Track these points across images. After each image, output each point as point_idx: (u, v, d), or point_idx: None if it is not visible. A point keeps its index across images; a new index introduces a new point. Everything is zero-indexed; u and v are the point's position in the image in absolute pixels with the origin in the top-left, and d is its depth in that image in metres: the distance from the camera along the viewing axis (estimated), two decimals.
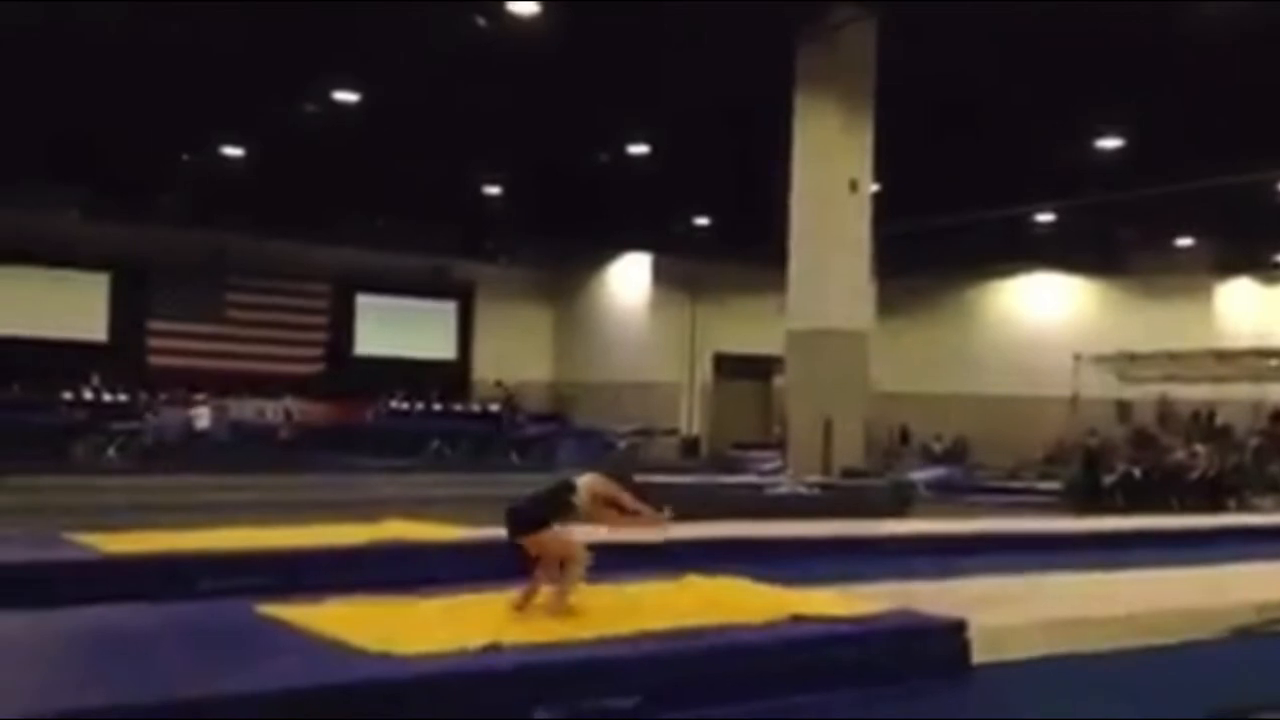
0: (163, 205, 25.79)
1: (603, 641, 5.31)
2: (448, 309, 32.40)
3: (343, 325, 30.73)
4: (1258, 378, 24.74)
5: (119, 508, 12.98)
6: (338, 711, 4.36)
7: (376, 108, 18.84)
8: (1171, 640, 7.02)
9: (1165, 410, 25.88)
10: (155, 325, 28.12)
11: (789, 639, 5.66)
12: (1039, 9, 14.00)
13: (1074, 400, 25.36)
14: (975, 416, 28.03)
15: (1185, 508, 18.40)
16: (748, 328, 28.86)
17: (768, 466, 20.09)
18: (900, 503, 15.83)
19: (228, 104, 18.90)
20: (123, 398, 25.74)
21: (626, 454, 25.33)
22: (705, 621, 5.76)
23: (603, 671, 5.00)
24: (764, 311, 25.52)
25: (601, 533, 6.48)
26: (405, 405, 29.68)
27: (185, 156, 22.74)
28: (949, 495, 20.16)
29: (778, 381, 25.38)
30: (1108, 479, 20.01)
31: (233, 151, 22.19)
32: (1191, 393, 25.36)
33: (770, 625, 5.80)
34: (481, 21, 15.42)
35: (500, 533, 8.08)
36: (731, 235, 26.49)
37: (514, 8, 15.04)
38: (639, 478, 14.93)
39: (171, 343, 28.07)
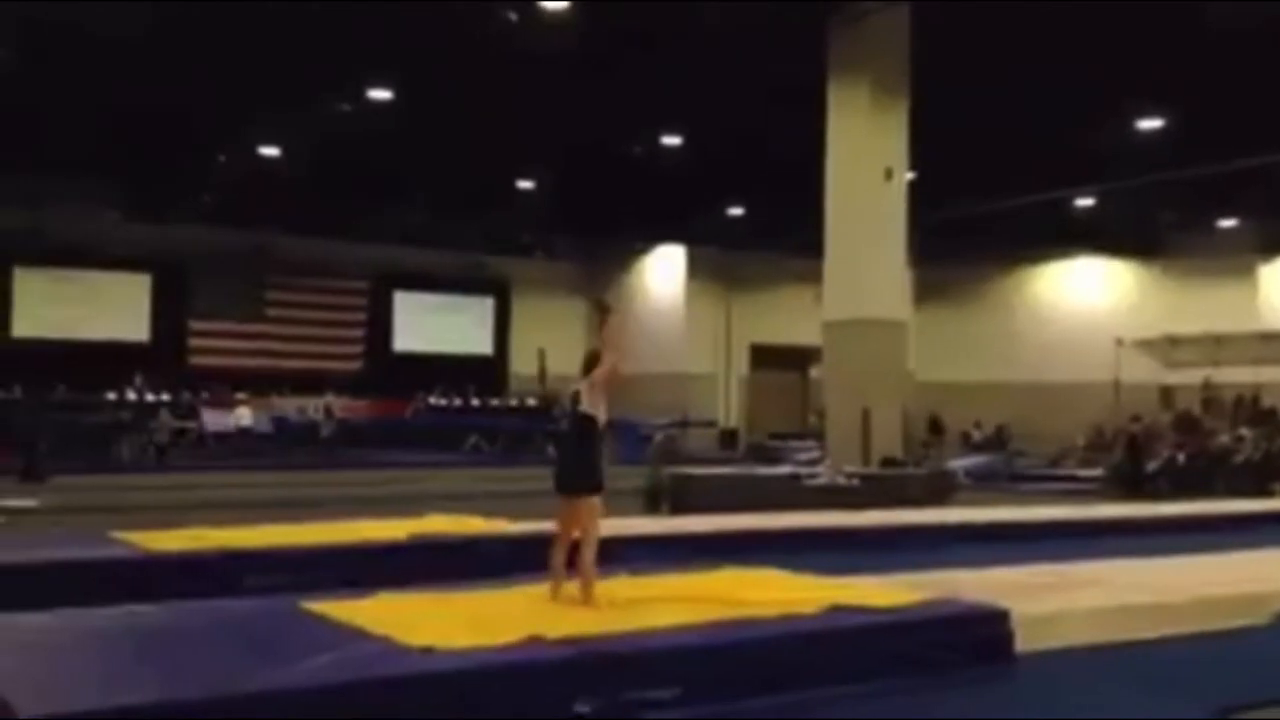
0: (202, 205, 26.06)
1: (643, 633, 5.32)
2: (485, 304, 32.53)
3: (381, 322, 30.93)
4: None
5: (163, 506, 13.15)
6: (382, 706, 4.39)
7: (411, 104, 18.92)
8: (1217, 627, 6.94)
9: (1209, 394, 25.54)
10: (196, 325, 28.44)
11: (829, 630, 5.64)
12: None
13: (1116, 386, 25.09)
14: (1016, 404, 27.80)
15: (1230, 493, 18.16)
16: (784, 318, 28.81)
17: (805, 457, 20.04)
18: (940, 492, 15.73)
19: (264, 103, 19.06)
20: (166, 397, 26.08)
21: (664, 446, 25.32)
22: (745, 613, 5.76)
23: (643, 663, 5.01)
24: (800, 302, 25.47)
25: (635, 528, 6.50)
26: (443, 401, 29.88)
27: (222, 157, 22.94)
28: (990, 484, 20.01)
29: (814, 372, 25.33)
30: (1151, 465, 19.78)
31: (270, 151, 22.37)
32: (1236, 376, 25.00)
33: (810, 616, 5.79)
34: (513, 16, 15.45)
35: (539, 526, 8.15)
36: (766, 226, 26.39)
37: (545, 5, 15.08)
38: (676, 470, 15.03)
39: (212, 342, 28.39)
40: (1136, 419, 21.88)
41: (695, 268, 30.70)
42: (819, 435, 24.98)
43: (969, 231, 25.78)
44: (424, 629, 5.12)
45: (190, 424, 25.16)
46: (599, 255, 32.31)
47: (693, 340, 30.40)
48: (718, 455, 26.53)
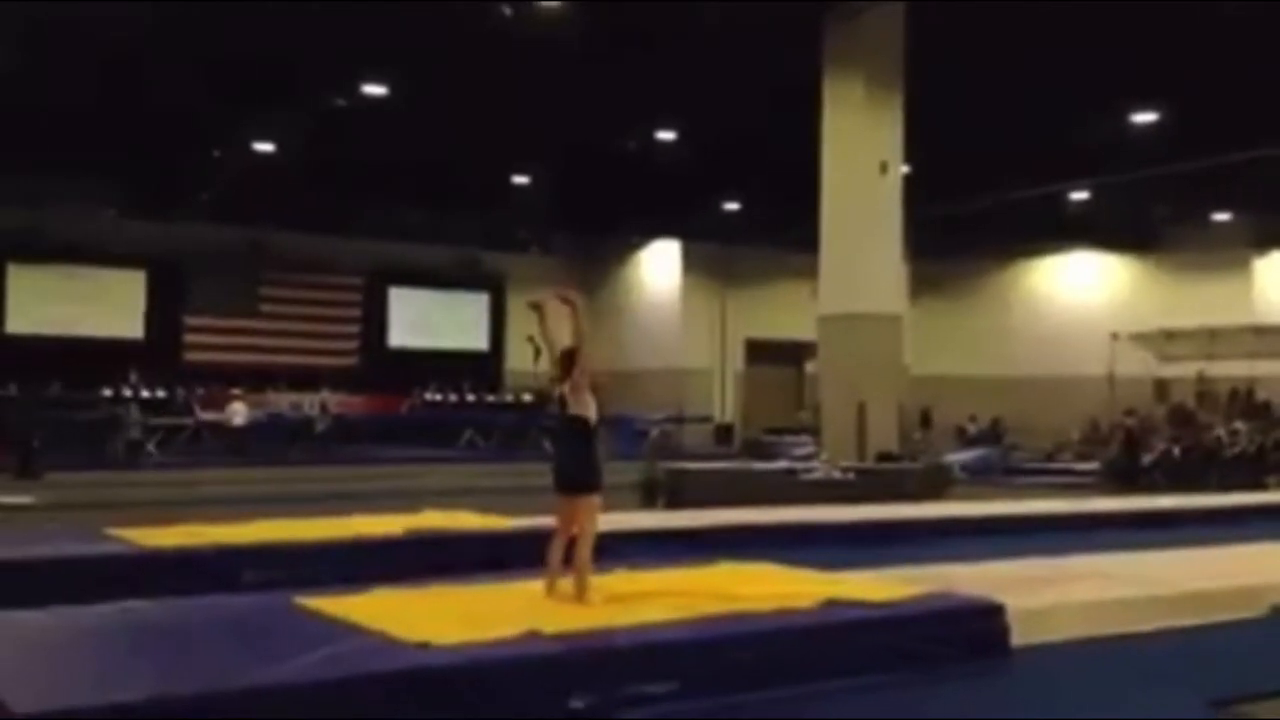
0: (197, 202, 26.03)
1: (639, 628, 5.32)
2: (480, 300, 32.51)
3: (376, 318, 30.91)
4: None
5: (158, 502, 13.14)
6: (377, 702, 4.39)
7: (406, 100, 18.89)
8: (1213, 620, 6.96)
9: (1204, 388, 25.57)
10: (191, 321, 28.40)
11: (825, 624, 5.65)
12: None
13: (1111, 380, 25.13)
14: (1011, 398, 27.82)
15: (1225, 486, 18.20)
16: (779, 313, 28.81)
17: (801, 452, 20.04)
18: (936, 486, 15.75)
19: (259, 100, 19.01)
20: (161, 394, 26.06)
21: (658, 441, 25.33)
22: (740, 608, 5.76)
23: (639, 658, 5.01)
24: (796, 297, 25.47)
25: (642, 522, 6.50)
26: (439, 397, 29.87)
27: (218, 154, 22.90)
28: (985, 477, 20.04)
29: (810, 367, 25.33)
30: (1146, 459, 19.82)
31: (265, 147, 22.33)
32: (1230, 369, 25.03)
33: (806, 611, 5.79)
34: (508, 11, 15.43)
35: (535, 521, 8.16)
36: (762, 220, 26.39)
37: (541, 0, 15.07)
38: (672, 465, 15.04)
39: (208, 338, 28.36)
40: (1131, 413, 21.91)
41: (691, 263, 30.69)
42: (807, 430, 25.07)
43: (964, 226, 25.81)
44: (420, 624, 5.12)
45: (186, 420, 25.12)
46: (594, 251, 32.29)
47: (688, 335, 30.40)
48: (713, 450, 26.55)
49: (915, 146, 17.32)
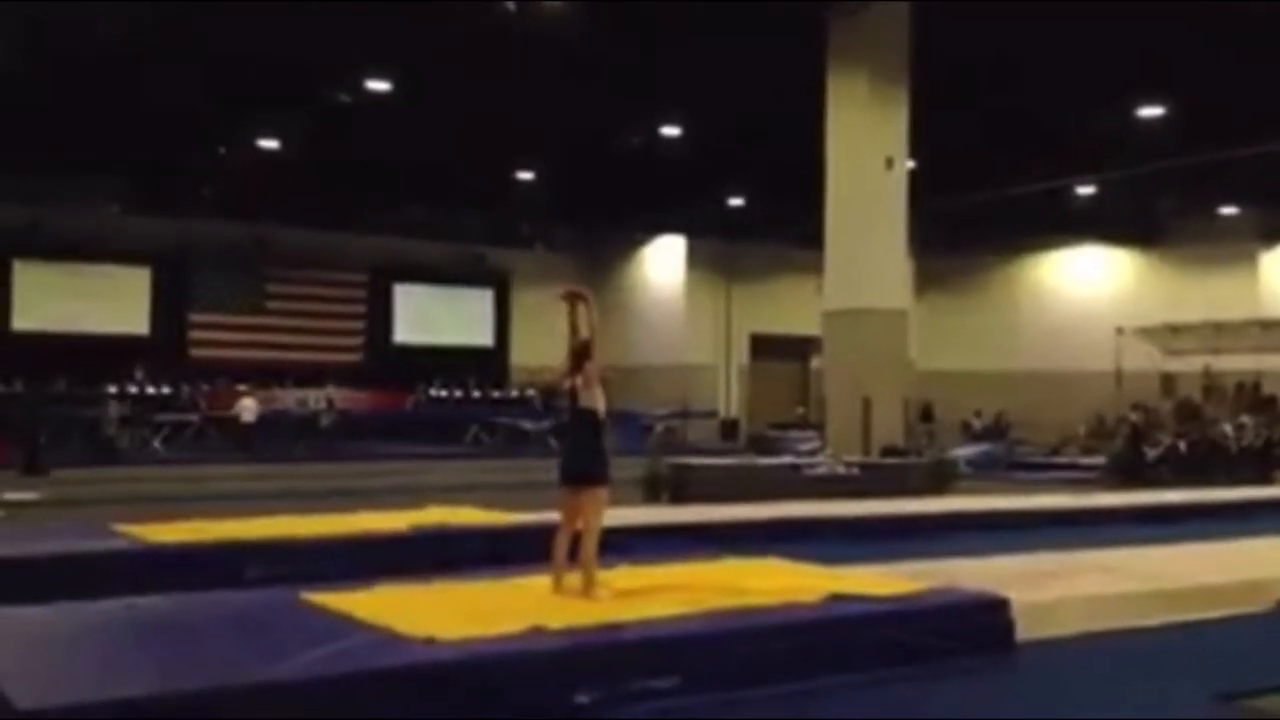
0: (201, 198, 26.04)
1: (643, 623, 5.33)
2: (484, 296, 32.51)
3: (381, 314, 30.92)
4: None
5: (164, 498, 13.16)
6: (382, 697, 4.39)
7: (410, 96, 18.88)
8: (1218, 614, 6.95)
9: (1210, 382, 25.51)
10: (196, 318, 28.42)
11: (830, 619, 5.65)
12: None
13: (1117, 374, 25.07)
14: (1016, 393, 27.79)
15: (1231, 480, 18.16)
16: (784, 308, 28.81)
17: (806, 447, 20.05)
18: (941, 481, 15.74)
19: (263, 96, 19.01)
20: (166, 390, 26.11)
21: (662, 437, 25.35)
22: (745, 602, 5.76)
23: (644, 653, 5.02)
24: (800, 292, 25.45)
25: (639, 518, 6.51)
26: (444, 393, 29.90)
27: (222, 149, 22.91)
28: (991, 472, 20.02)
29: (815, 362, 25.32)
30: (1152, 453, 19.78)
31: (269, 143, 22.34)
32: (1236, 363, 24.96)
33: (810, 605, 5.79)
34: (512, 6, 15.41)
35: (539, 517, 8.16)
36: (767, 216, 26.36)
37: None
38: (676, 460, 15.04)
39: (212, 334, 28.37)
40: (1137, 407, 21.86)
41: (695, 258, 30.66)
42: (804, 425, 25.07)
43: (970, 220, 25.77)
44: (424, 620, 5.12)
45: (191, 417, 25.17)
46: (599, 247, 32.27)
47: (693, 331, 30.38)
48: (718, 446, 26.54)
49: (920, 141, 17.28)
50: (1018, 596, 6.19)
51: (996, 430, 26.33)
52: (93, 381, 24.62)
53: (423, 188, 25.51)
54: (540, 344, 31.29)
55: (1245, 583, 7.50)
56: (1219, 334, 24.65)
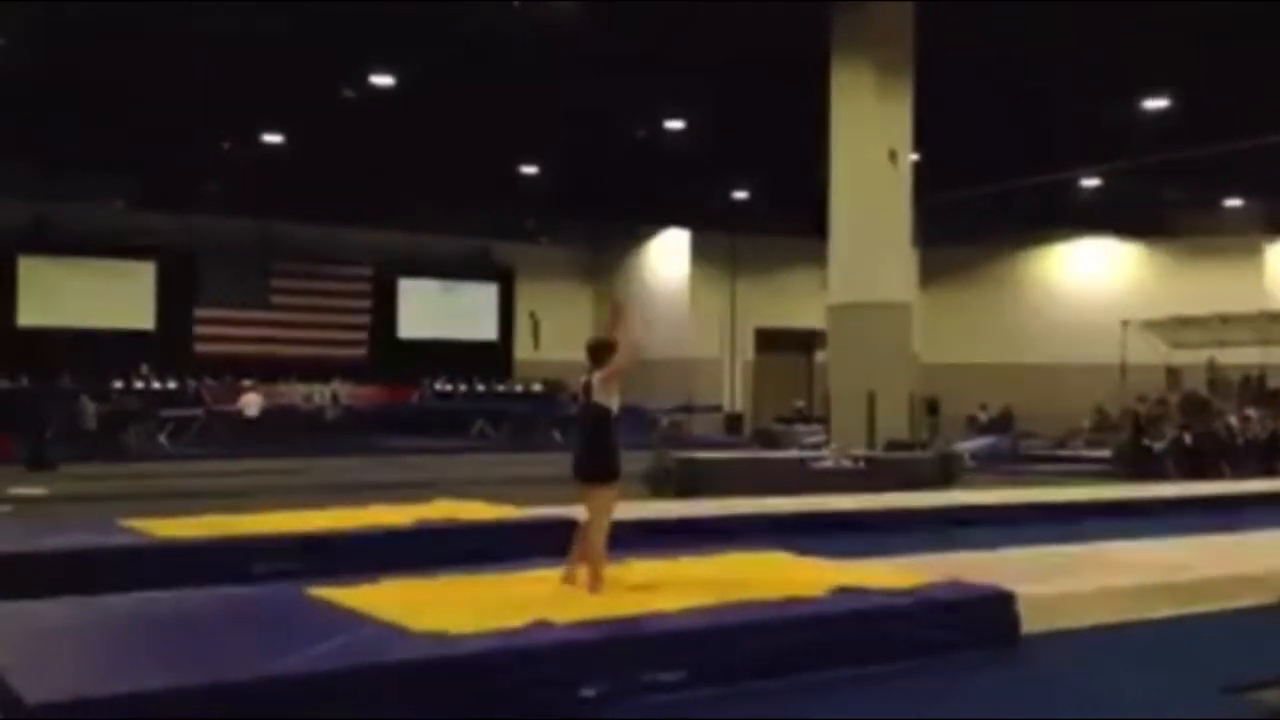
0: (207, 193, 26.07)
1: (649, 617, 5.33)
2: (489, 290, 32.53)
3: (386, 309, 30.96)
4: None
5: (171, 493, 13.19)
6: (390, 692, 4.40)
7: (413, 90, 18.88)
8: (1224, 606, 6.94)
9: (1215, 374, 25.48)
10: (201, 313, 28.46)
11: (835, 612, 5.65)
12: None
13: (1122, 366, 25.06)
14: (1022, 386, 27.76)
15: (1237, 473, 18.14)
16: (789, 302, 28.81)
17: (811, 440, 20.05)
18: (946, 474, 15.73)
19: (267, 91, 19.01)
20: (172, 385, 26.16)
21: (669, 431, 25.37)
22: (750, 596, 5.77)
23: (650, 646, 5.02)
24: (805, 285, 25.46)
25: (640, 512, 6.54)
26: (449, 387, 29.94)
27: (226, 145, 22.92)
28: (996, 465, 20.01)
29: (820, 356, 25.32)
30: (1158, 446, 19.76)
31: (273, 138, 22.35)
32: (1242, 356, 24.94)
33: (816, 599, 5.79)
34: (516, 3, 15.40)
35: (545, 511, 8.17)
36: (771, 209, 26.33)
37: None
38: (682, 454, 15.05)
39: (218, 330, 28.41)
40: (1143, 399, 21.83)
41: (700, 252, 30.65)
42: (808, 419, 25.06)
43: (974, 213, 25.71)
44: (431, 614, 5.14)
45: (197, 411, 25.21)
46: (603, 240, 32.27)
47: (698, 325, 30.36)
48: (723, 439, 26.56)
49: (925, 133, 17.25)
50: (1024, 590, 6.18)
51: (1002, 423, 26.31)
52: (98, 377, 24.67)
53: (427, 182, 25.52)
54: (544, 336, 31.44)
55: (1252, 575, 7.48)
56: (1225, 326, 24.63)
